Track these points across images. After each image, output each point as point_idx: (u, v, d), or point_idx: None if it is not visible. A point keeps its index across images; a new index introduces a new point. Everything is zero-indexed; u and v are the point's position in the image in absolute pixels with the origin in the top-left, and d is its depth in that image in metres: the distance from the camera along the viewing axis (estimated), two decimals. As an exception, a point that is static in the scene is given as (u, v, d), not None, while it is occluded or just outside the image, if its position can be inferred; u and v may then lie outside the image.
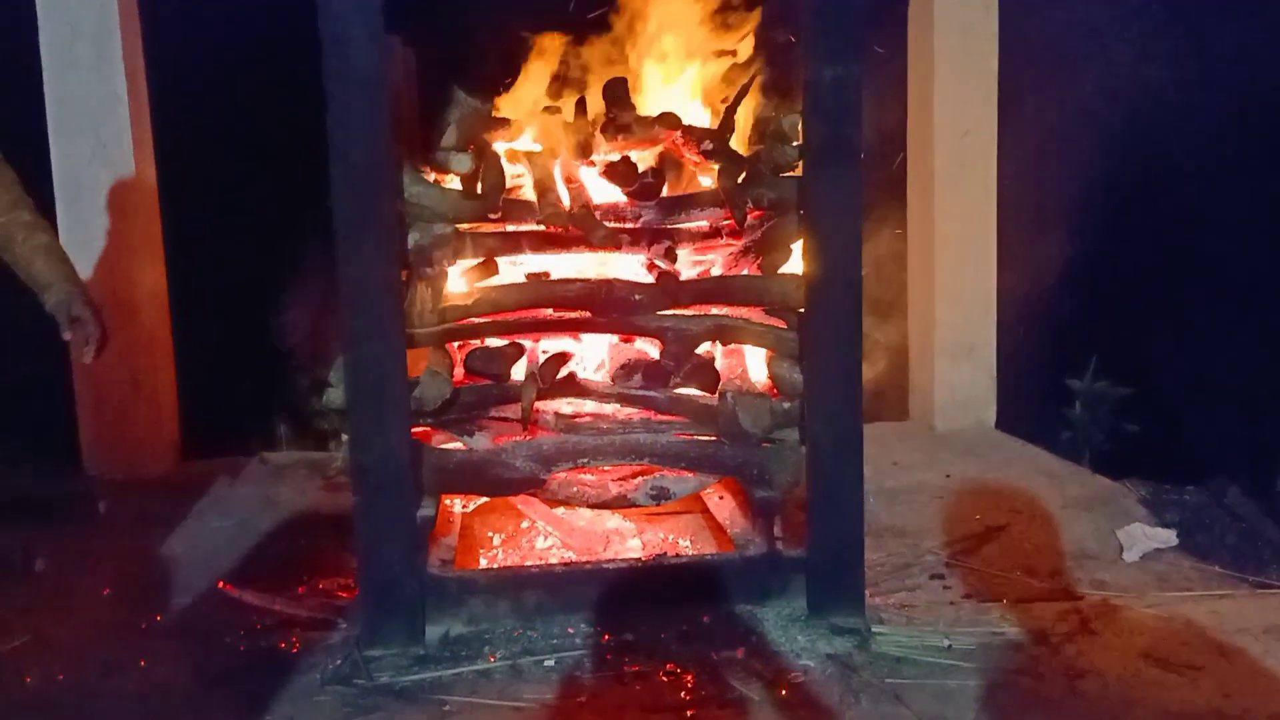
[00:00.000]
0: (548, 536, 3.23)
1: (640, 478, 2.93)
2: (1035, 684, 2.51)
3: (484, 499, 3.20)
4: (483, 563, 3.12)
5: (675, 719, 2.38)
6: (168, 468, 4.36)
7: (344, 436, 2.67)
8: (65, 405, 4.30)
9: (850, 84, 2.65)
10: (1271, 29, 4.68)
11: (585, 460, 2.85)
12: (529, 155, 2.94)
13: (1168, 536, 3.40)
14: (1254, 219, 4.87)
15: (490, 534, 3.30)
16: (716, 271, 3.07)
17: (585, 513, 3.20)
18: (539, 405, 2.87)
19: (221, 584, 3.05)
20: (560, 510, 3.22)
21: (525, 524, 3.32)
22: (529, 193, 2.92)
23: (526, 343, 2.94)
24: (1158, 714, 2.37)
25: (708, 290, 2.93)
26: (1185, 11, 4.75)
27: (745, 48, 3.21)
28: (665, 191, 2.94)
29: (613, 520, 3.31)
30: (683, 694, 2.47)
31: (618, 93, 2.92)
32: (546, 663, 2.60)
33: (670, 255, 2.86)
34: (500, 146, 2.95)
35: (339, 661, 2.61)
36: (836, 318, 2.71)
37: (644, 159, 3.08)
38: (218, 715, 2.46)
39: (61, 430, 4.31)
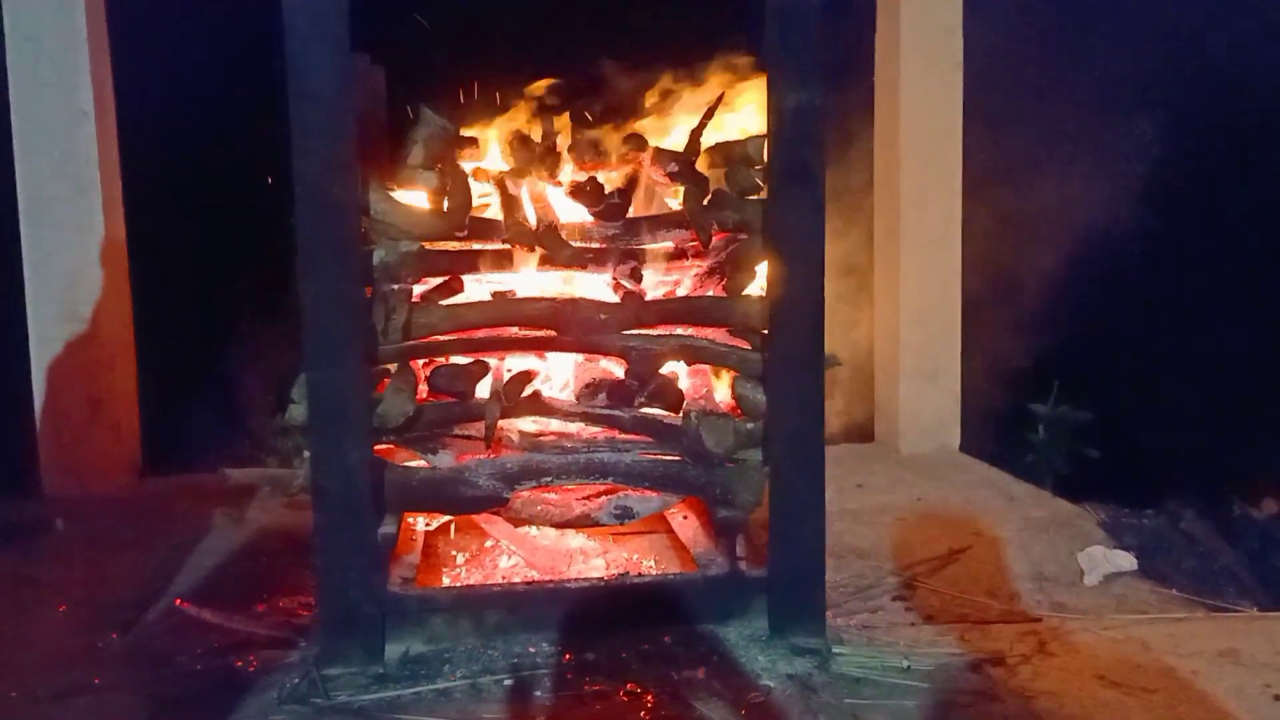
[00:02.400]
0: (511, 555, 3.22)
1: (604, 497, 2.94)
2: (992, 705, 2.52)
3: (447, 517, 3.19)
4: (446, 581, 3.11)
5: (634, 739, 2.38)
6: (128, 486, 4.31)
7: (305, 453, 2.65)
8: (23, 424, 4.25)
9: (813, 111, 2.69)
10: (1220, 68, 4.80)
11: (549, 479, 2.85)
12: (496, 174, 2.95)
13: (1127, 560, 3.44)
14: (1214, 249, 4.97)
15: (454, 552, 3.29)
16: (682, 292, 3.09)
17: (549, 532, 3.20)
18: (503, 423, 2.87)
19: (179, 602, 3.01)
20: (524, 529, 3.21)
21: (489, 543, 3.31)
22: (496, 211, 2.93)
23: (491, 360, 2.94)
24: (1112, 735, 2.40)
25: (672, 310, 2.94)
26: (1147, 37, 4.86)
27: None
28: (631, 212, 2.96)
29: (577, 540, 3.31)
30: (643, 714, 2.46)
31: (584, 114, 2.95)
32: (506, 682, 2.59)
33: (636, 275, 2.88)
34: (468, 165, 2.96)
35: (296, 680, 2.58)
36: (799, 339, 2.74)
37: (611, 180, 3.09)
38: (172, 736, 2.43)
39: (19, 449, 4.25)
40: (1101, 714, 2.48)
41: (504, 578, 3.10)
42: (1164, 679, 2.66)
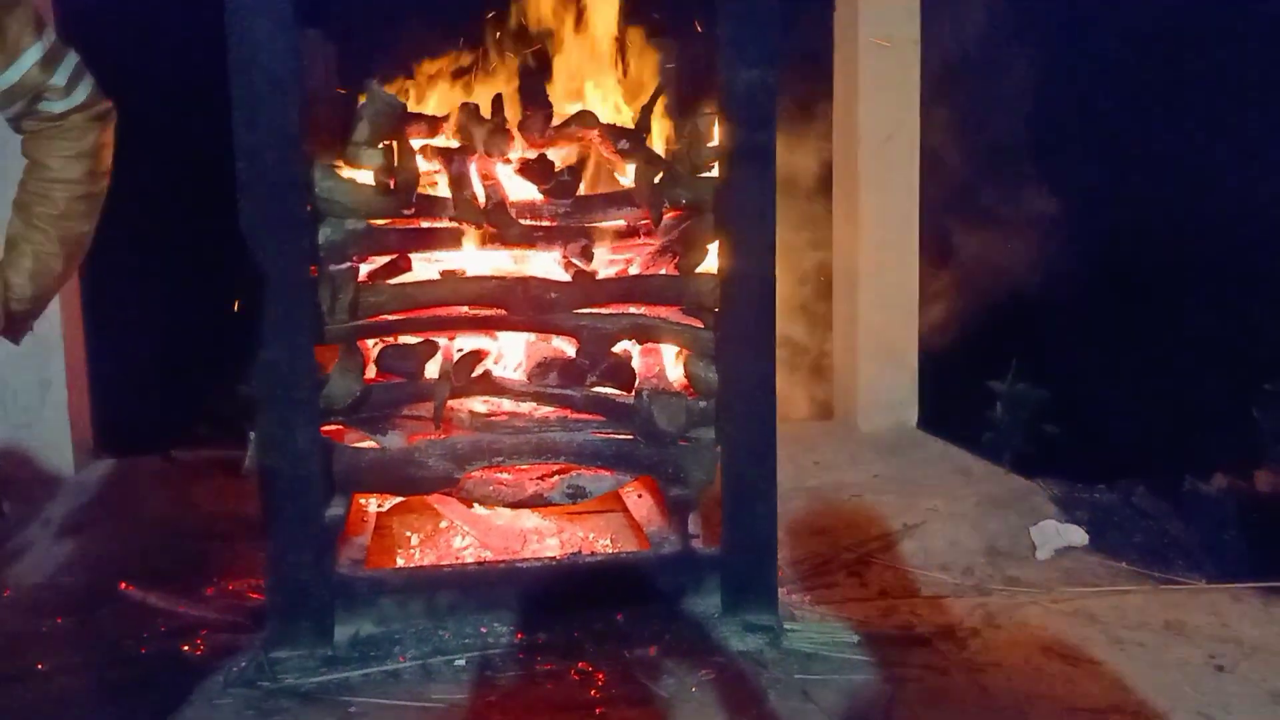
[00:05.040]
0: (465, 536, 3.21)
1: (557, 476, 2.92)
2: (940, 679, 2.54)
3: (399, 498, 3.16)
4: (400, 562, 3.09)
5: (585, 718, 2.37)
6: (79, 468, 4.24)
7: (252, 435, 2.61)
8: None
9: (765, 88, 2.68)
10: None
11: (500, 459, 2.83)
12: (445, 151, 2.91)
13: (1079, 534, 3.47)
14: (1168, 232, 5.02)
15: (408, 534, 3.27)
16: (634, 270, 3.07)
17: (505, 512, 3.18)
18: (454, 404, 2.85)
19: (124, 586, 2.97)
20: (480, 509, 3.19)
21: (443, 524, 3.29)
22: (445, 189, 2.89)
23: (441, 340, 2.91)
24: (1057, 708, 2.42)
25: (625, 289, 2.93)
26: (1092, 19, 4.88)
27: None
28: (582, 190, 2.94)
29: (532, 519, 3.30)
30: (593, 693, 2.47)
31: (534, 90, 2.91)
32: (457, 662, 2.59)
33: (587, 253, 2.86)
34: (416, 142, 2.92)
35: (244, 664, 2.56)
36: (750, 317, 2.74)
37: (563, 157, 3.07)
38: (115, 721, 2.41)
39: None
40: (1048, 686, 2.51)
41: (457, 558, 3.08)
42: (1110, 651, 2.69)
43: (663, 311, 2.94)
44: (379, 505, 3.19)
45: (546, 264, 2.98)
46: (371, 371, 2.84)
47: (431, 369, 2.85)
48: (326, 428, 2.73)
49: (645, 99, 2.98)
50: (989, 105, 4.94)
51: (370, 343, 2.91)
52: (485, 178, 2.88)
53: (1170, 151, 5.05)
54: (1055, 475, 3.97)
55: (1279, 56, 5.00)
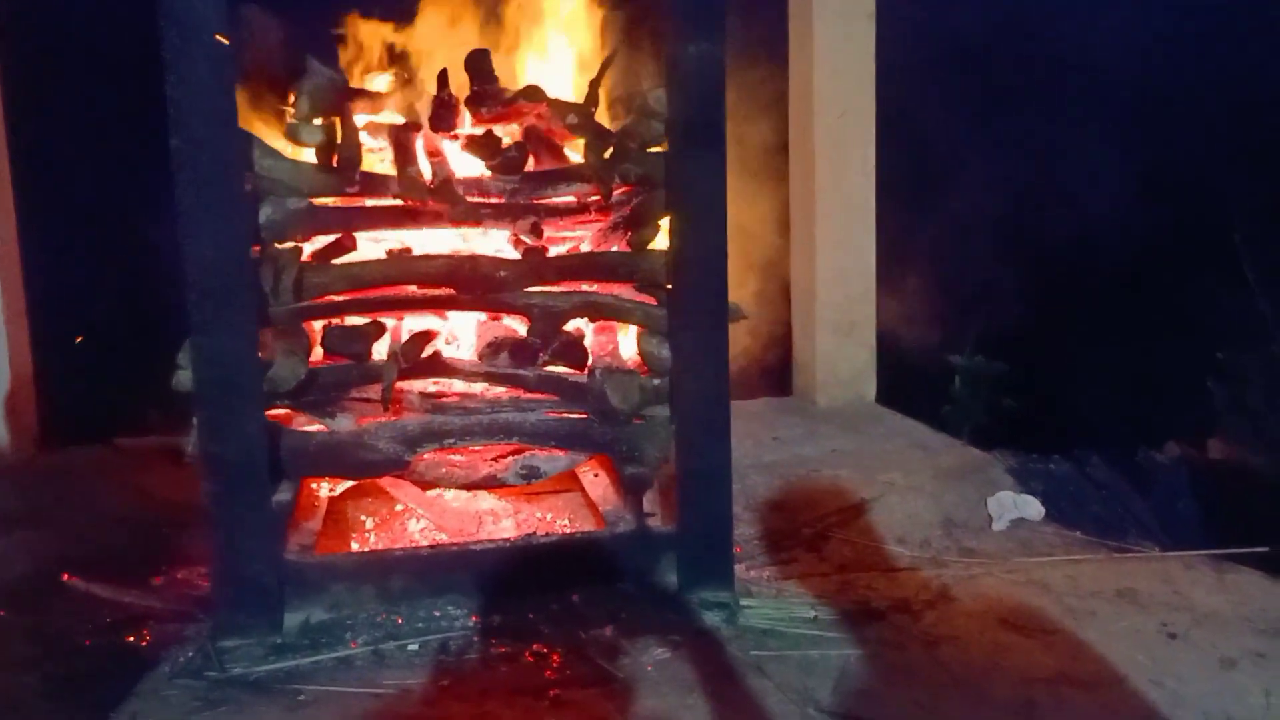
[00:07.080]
0: (420, 519, 3.17)
1: (511, 457, 2.89)
2: (895, 652, 2.54)
3: (350, 482, 3.11)
4: (355, 547, 3.04)
5: (540, 700, 2.35)
6: (24, 459, 4.15)
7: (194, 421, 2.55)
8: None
9: (714, 60, 2.64)
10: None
11: (452, 440, 2.79)
12: (390, 128, 2.85)
13: (1035, 505, 3.49)
14: (1124, 205, 5.05)
15: (362, 517, 3.22)
16: (585, 247, 3.03)
17: (461, 494, 3.15)
18: (403, 385, 2.80)
19: (67, 577, 2.90)
20: (435, 492, 3.16)
21: (399, 507, 3.25)
22: (389, 166, 2.83)
23: (389, 321, 2.86)
24: (1011, 679, 2.42)
25: (576, 266, 2.89)
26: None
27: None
28: (531, 166, 2.89)
29: (488, 500, 3.27)
30: (549, 674, 2.44)
31: (480, 65, 2.85)
32: (410, 647, 2.55)
33: (536, 230, 2.81)
34: (360, 119, 2.85)
35: (191, 654, 2.51)
36: (702, 294, 2.71)
37: (512, 133, 3.01)
38: (57, 716, 2.34)
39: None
40: (1003, 657, 2.52)
41: (411, 542, 3.04)
42: (1064, 620, 2.70)
43: (615, 289, 2.90)
44: (331, 490, 3.14)
45: (496, 241, 2.93)
46: (318, 354, 2.78)
47: (380, 350, 2.80)
48: (273, 412, 2.68)
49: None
50: (944, 76, 4.92)
51: (316, 324, 2.85)
52: (431, 154, 2.82)
53: (1132, 129, 5.08)
54: (1012, 447, 3.99)
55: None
